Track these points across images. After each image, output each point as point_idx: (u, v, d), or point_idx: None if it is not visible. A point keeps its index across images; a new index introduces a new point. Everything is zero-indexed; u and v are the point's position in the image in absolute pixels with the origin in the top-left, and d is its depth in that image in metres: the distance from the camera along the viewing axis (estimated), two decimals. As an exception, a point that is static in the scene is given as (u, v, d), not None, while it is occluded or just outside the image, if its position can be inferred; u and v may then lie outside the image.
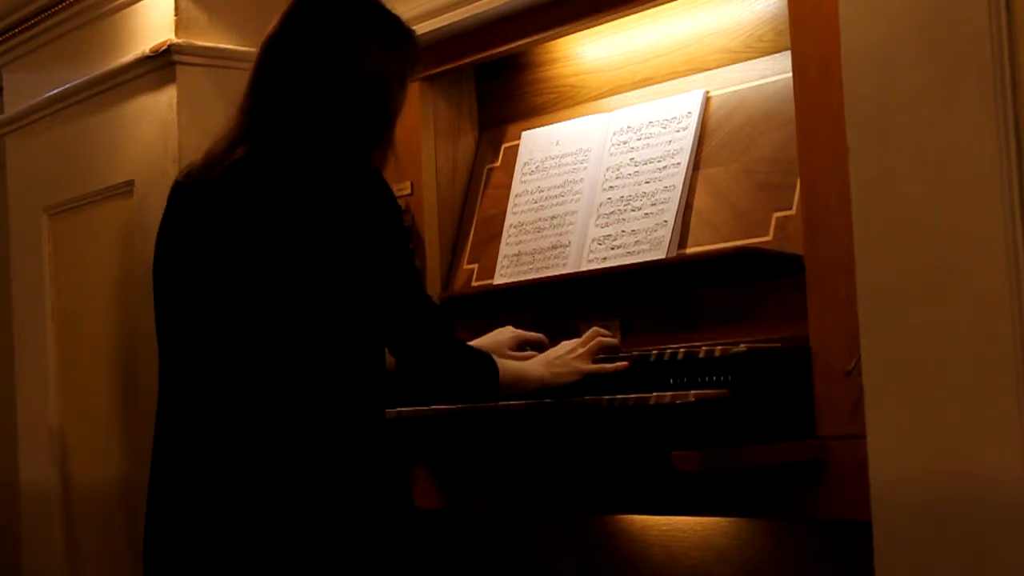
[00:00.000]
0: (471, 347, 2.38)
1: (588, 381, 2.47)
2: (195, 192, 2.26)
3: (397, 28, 2.37)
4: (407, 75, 2.38)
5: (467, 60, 3.12)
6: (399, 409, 2.75)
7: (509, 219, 3.05)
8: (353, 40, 2.29)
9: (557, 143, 3.02)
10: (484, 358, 2.34)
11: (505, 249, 3.02)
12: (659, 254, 2.69)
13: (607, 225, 2.82)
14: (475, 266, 3.12)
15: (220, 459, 2.14)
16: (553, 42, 3.08)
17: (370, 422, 2.19)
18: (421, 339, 2.25)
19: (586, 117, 3.00)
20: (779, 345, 2.37)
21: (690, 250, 2.68)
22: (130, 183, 3.64)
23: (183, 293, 2.26)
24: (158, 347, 2.32)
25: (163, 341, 2.30)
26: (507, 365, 2.38)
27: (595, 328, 2.56)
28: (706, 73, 2.80)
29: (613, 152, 2.89)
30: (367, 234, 2.18)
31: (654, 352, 2.40)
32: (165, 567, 2.20)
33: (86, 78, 3.77)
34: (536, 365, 2.46)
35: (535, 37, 2.98)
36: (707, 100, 2.77)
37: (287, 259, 2.15)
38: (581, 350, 2.49)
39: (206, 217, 2.23)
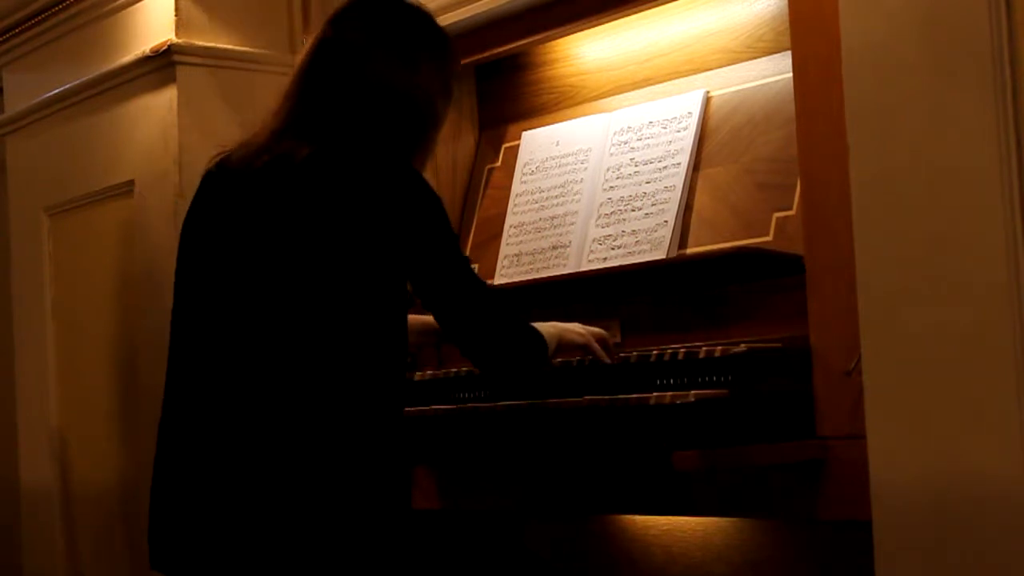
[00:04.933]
0: (524, 324, 2.38)
1: (588, 379, 2.47)
2: (235, 179, 2.28)
3: (446, 44, 2.41)
4: (452, 90, 2.42)
5: (467, 60, 3.12)
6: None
7: (509, 219, 3.05)
8: (408, 55, 2.33)
9: (557, 143, 3.02)
10: (535, 338, 2.37)
11: (505, 249, 3.02)
12: (659, 254, 2.70)
13: (607, 225, 2.82)
14: (476, 266, 3.12)
15: (228, 449, 2.15)
16: (553, 42, 3.08)
17: (384, 422, 2.20)
18: (474, 322, 2.29)
19: (586, 117, 3.00)
20: (779, 345, 2.37)
21: (690, 250, 2.68)
22: (130, 183, 3.64)
23: (212, 277, 2.26)
24: (171, 333, 2.31)
25: (180, 327, 2.30)
26: (548, 334, 2.41)
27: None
28: (706, 73, 2.81)
29: (613, 152, 2.89)
30: (413, 226, 2.21)
31: (654, 352, 2.40)
32: (172, 558, 2.21)
33: (86, 78, 3.77)
34: (553, 328, 2.48)
35: (535, 37, 2.99)
36: (707, 100, 2.77)
37: (327, 252, 2.17)
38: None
39: (246, 205, 2.24)
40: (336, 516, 2.11)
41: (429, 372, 2.86)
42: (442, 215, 2.25)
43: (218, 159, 2.34)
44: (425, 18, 2.41)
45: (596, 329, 2.55)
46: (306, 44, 2.42)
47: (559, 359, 2.61)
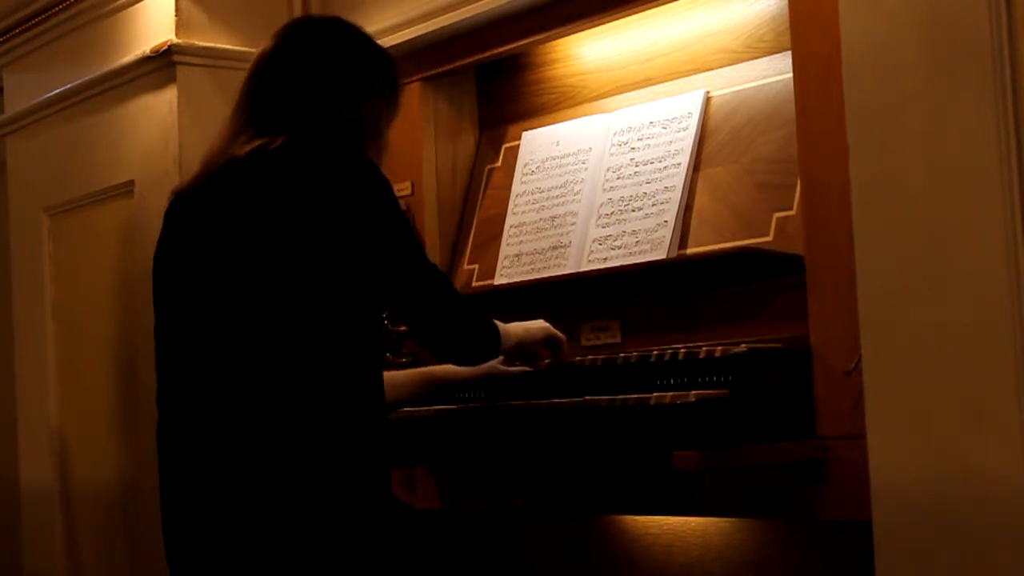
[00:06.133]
0: (477, 312, 2.42)
1: (588, 379, 2.47)
2: (191, 195, 2.32)
3: (391, 70, 2.46)
4: (397, 104, 2.48)
5: (467, 60, 3.12)
6: (400, 409, 2.75)
7: (510, 219, 3.05)
8: (354, 85, 2.38)
9: (558, 143, 3.02)
10: (488, 324, 2.41)
11: (506, 249, 3.02)
12: (660, 254, 2.69)
13: (608, 225, 2.82)
14: (476, 267, 3.12)
15: (222, 455, 2.18)
16: (554, 42, 3.08)
17: (363, 418, 2.21)
18: (428, 305, 2.31)
19: (587, 117, 3.00)
20: (779, 345, 2.37)
21: (690, 250, 2.68)
22: (130, 183, 3.64)
23: (183, 291, 2.29)
24: (156, 347, 2.33)
25: (162, 340, 2.34)
26: (505, 328, 2.46)
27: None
28: (707, 73, 2.81)
29: (614, 152, 2.89)
30: (363, 211, 2.22)
31: (654, 352, 2.40)
32: (185, 558, 2.24)
33: (86, 78, 3.78)
34: (515, 327, 2.52)
35: (536, 37, 2.98)
36: (707, 100, 2.77)
37: (285, 246, 2.19)
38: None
39: (203, 213, 2.28)
40: (314, 510, 2.14)
41: (429, 372, 2.86)
42: (391, 198, 2.27)
43: (179, 186, 2.39)
44: (371, 44, 2.45)
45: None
46: (257, 52, 2.44)
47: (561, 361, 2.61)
